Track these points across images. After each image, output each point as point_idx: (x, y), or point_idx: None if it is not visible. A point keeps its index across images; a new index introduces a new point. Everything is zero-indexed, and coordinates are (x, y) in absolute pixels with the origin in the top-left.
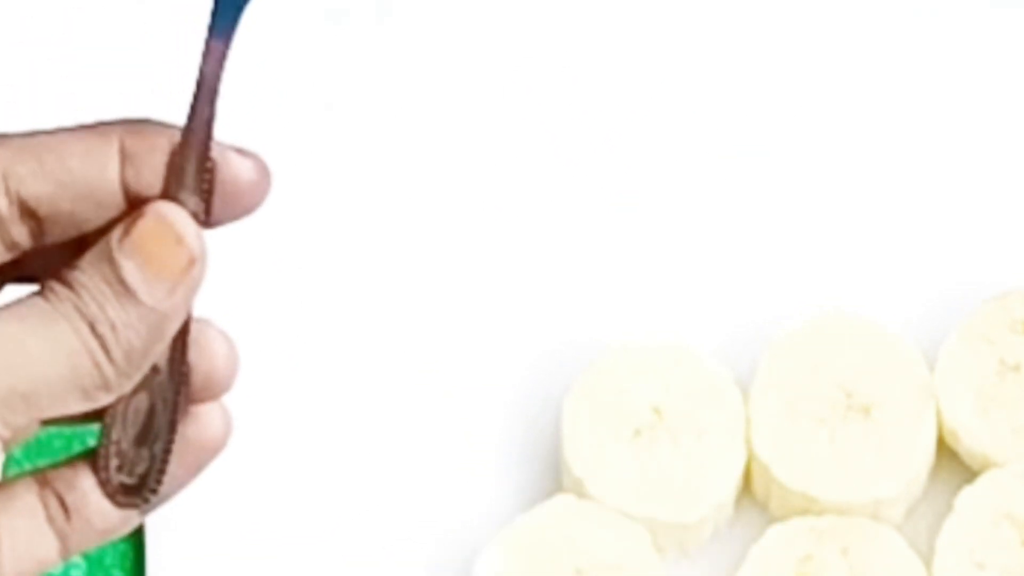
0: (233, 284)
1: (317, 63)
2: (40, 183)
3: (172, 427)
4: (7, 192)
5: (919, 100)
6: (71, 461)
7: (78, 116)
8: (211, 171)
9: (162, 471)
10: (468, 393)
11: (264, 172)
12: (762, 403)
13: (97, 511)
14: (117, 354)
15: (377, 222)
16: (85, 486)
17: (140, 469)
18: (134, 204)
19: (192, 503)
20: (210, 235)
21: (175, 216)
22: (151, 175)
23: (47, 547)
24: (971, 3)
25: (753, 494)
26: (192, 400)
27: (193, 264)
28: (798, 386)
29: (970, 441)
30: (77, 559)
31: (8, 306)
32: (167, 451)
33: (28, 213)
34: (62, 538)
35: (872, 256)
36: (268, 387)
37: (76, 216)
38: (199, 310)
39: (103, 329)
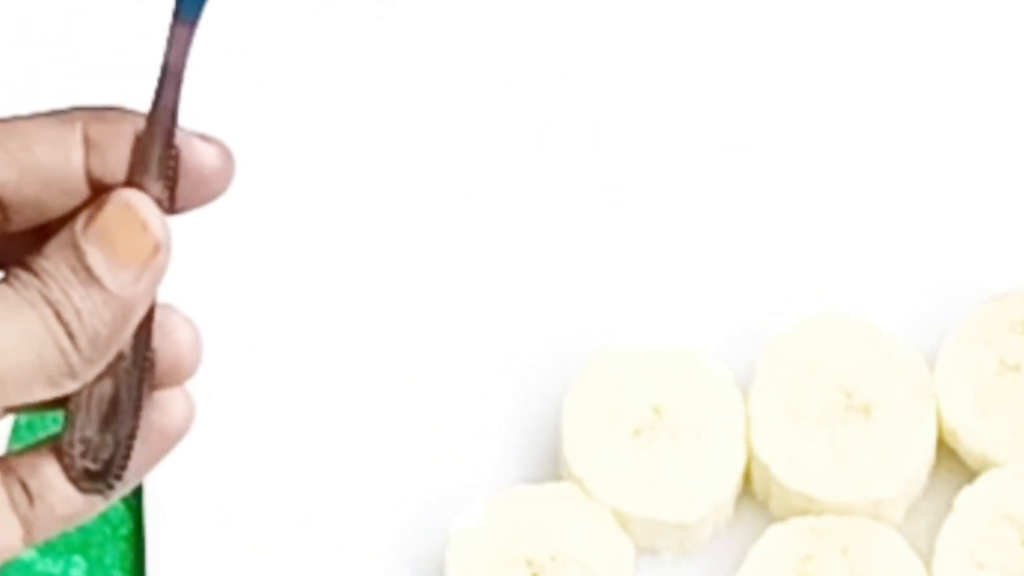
0: (228, 276)
1: (309, 56)
2: (4, 170)
3: (137, 413)
4: None
5: (918, 100)
6: (34, 448)
7: None
8: (175, 158)
9: (127, 457)
10: (468, 393)
11: (228, 158)
12: (762, 403)
13: (61, 497)
14: (82, 341)
15: (374, 221)
16: (48, 472)
17: (105, 455)
18: (98, 191)
19: (191, 504)
20: (200, 223)
21: (139, 203)
22: (115, 162)
23: (10, 533)
24: (971, 2)
25: (753, 494)
26: (156, 386)
27: (158, 251)
28: (798, 386)
29: (970, 441)
30: (77, 559)
31: None
32: (132, 437)
33: None
34: (26, 525)
35: (871, 256)
36: (268, 390)
37: (41, 203)
38: (185, 298)
39: (68, 316)
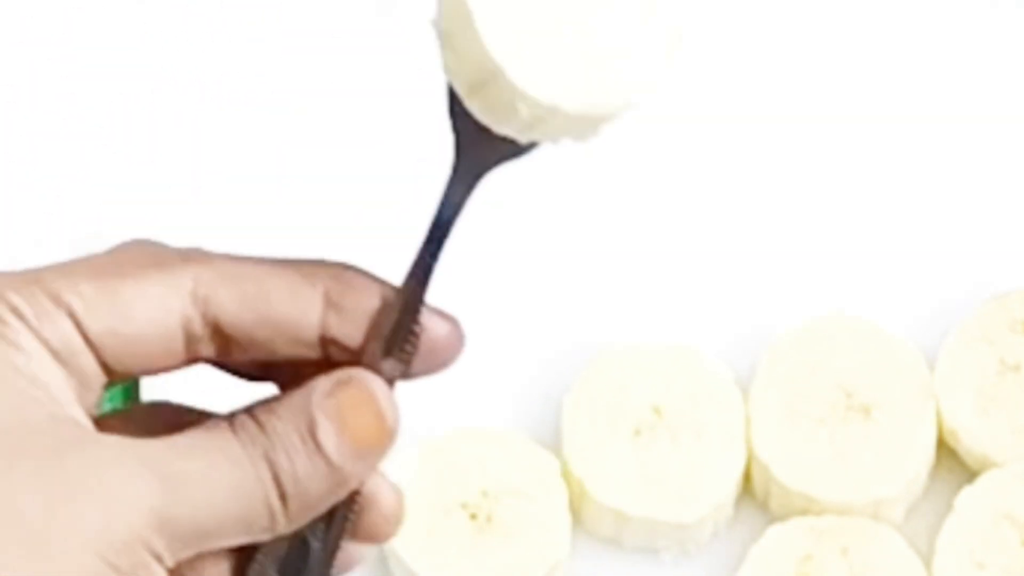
0: None
1: (308, 56)
2: (238, 311)
3: (325, 572)
4: (204, 315)
5: (919, 101)
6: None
7: (78, 116)
8: (417, 335)
9: None
10: (468, 392)
11: (460, 335)
12: (762, 403)
13: None
14: (293, 505)
15: (376, 221)
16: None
17: None
18: (328, 352)
19: None
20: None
21: (379, 391)
22: (353, 327)
23: None
24: (971, 3)
25: (753, 494)
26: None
27: (387, 438)
28: (798, 386)
29: (970, 441)
30: None
31: (197, 437)
32: None
33: (219, 335)
34: None
35: (872, 257)
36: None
37: (267, 346)
38: None
39: (286, 480)
